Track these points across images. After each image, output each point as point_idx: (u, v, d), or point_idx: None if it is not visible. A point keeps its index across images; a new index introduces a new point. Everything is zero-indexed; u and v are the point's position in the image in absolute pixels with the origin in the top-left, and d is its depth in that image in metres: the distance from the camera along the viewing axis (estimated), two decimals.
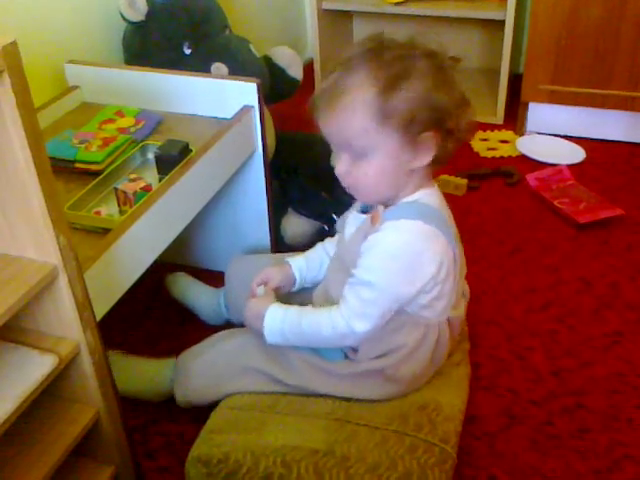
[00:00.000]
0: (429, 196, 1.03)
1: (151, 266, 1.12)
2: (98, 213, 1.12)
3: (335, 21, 2.47)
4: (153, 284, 1.50)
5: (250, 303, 1.10)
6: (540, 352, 1.37)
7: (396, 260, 0.98)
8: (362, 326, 1.00)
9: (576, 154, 2.04)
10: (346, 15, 2.57)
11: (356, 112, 0.93)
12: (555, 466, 1.15)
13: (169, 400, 1.22)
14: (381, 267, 0.98)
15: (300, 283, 1.19)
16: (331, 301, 1.07)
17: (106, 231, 1.04)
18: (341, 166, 0.99)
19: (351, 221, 1.11)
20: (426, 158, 0.98)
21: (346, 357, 1.08)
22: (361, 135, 0.95)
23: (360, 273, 1.00)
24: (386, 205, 1.02)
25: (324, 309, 1.04)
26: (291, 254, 1.27)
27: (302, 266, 1.19)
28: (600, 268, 1.59)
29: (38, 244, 0.82)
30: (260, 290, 1.13)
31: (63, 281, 0.84)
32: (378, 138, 0.95)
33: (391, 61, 0.94)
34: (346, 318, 1.00)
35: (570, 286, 1.54)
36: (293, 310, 1.06)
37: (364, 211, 1.09)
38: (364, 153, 0.96)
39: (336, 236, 1.19)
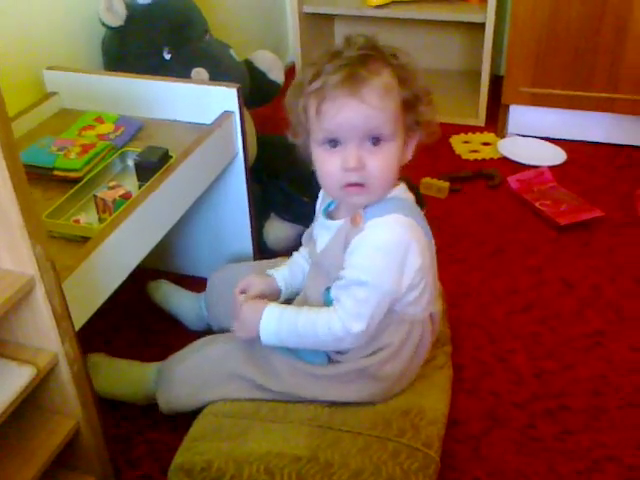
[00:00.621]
0: (404, 192, 1.06)
1: (133, 272, 1.11)
2: (77, 221, 1.11)
3: (316, 24, 2.47)
4: (135, 290, 1.49)
5: (246, 304, 1.08)
6: (522, 354, 1.37)
7: (387, 255, 0.99)
8: (358, 326, 1.00)
9: (557, 156, 2.05)
10: (327, 18, 2.57)
11: (390, 97, 0.95)
12: (538, 468, 1.15)
13: (152, 408, 1.22)
14: (373, 264, 0.99)
15: (286, 293, 1.18)
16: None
17: (85, 239, 1.04)
18: (355, 160, 0.96)
19: (320, 231, 1.10)
20: (410, 153, 1.03)
21: (329, 360, 1.08)
22: (391, 120, 0.96)
23: (351, 273, 1.00)
24: (364, 206, 1.02)
25: (321, 310, 1.03)
26: (273, 261, 1.27)
27: (286, 276, 1.18)
28: (581, 269, 1.60)
29: (14, 255, 0.82)
30: (241, 298, 1.12)
31: (40, 292, 0.84)
32: (398, 126, 0.97)
33: (393, 57, 0.98)
34: (342, 320, 1.00)
35: (552, 287, 1.55)
36: (290, 310, 1.05)
37: (329, 217, 1.09)
38: (384, 141, 0.96)
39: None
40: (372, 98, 0.94)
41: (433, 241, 1.08)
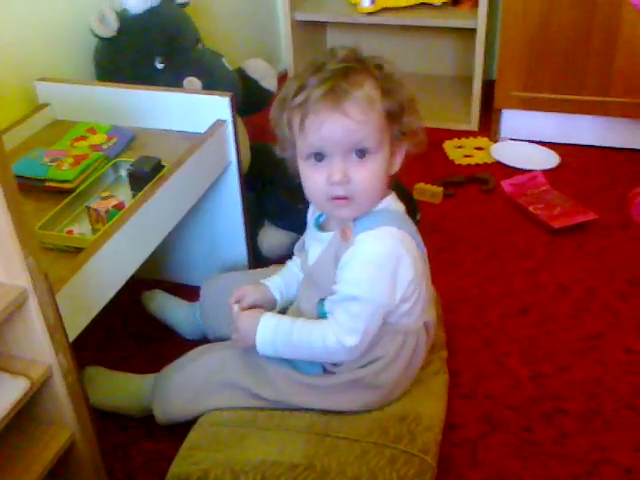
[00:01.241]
0: (395, 202, 1.06)
1: (127, 282, 1.11)
2: (70, 232, 1.11)
3: (309, 32, 2.47)
4: (130, 301, 1.49)
5: (243, 314, 1.09)
6: (518, 357, 1.37)
7: (379, 268, 0.99)
8: (352, 340, 0.99)
9: (550, 159, 2.06)
10: (319, 26, 2.58)
11: (373, 109, 0.95)
12: (535, 472, 1.15)
13: (149, 418, 1.21)
14: (364, 278, 0.99)
15: (281, 303, 1.18)
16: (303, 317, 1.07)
17: (79, 250, 1.04)
18: (339, 173, 0.96)
19: (312, 242, 1.10)
20: (398, 164, 1.02)
21: (325, 371, 1.08)
22: (375, 132, 0.95)
23: (344, 288, 1.00)
24: (354, 218, 1.02)
25: (316, 322, 1.03)
26: (266, 269, 1.27)
27: (281, 286, 1.18)
28: (576, 272, 1.60)
29: (6, 267, 0.81)
30: (235, 309, 1.12)
31: (33, 303, 0.83)
32: (383, 138, 0.97)
33: (376, 68, 0.97)
34: (337, 334, 1.00)
35: (546, 291, 1.56)
36: (286, 320, 1.05)
37: (320, 229, 1.09)
38: (369, 153, 0.96)
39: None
40: (354, 111, 0.93)
41: (425, 250, 1.07)
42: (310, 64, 0.98)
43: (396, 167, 1.03)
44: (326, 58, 0.97)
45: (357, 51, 0.99)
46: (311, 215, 1.13)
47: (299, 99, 0.95)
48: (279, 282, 1.18)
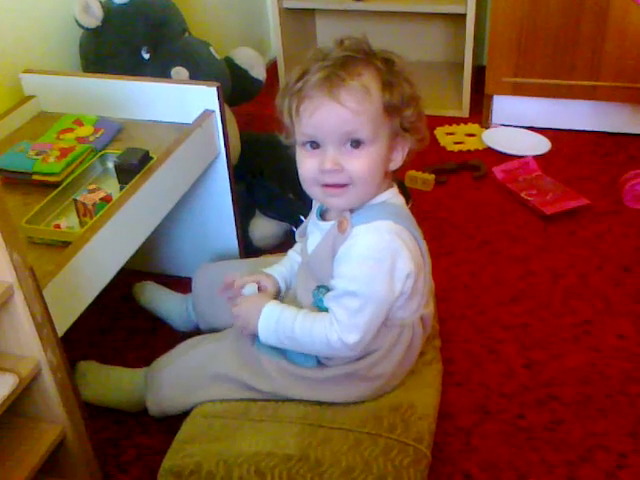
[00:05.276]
0: (395, 196, 1.04)
1: (118, 274, 1.10)
2: (58, 226, 1.10)
3: (297, 19, 2.45)
4: (121, 293, 1.48)
5: (246, 298, 1.06)
6: (511, 345, 1.37)
7: (376, 263, 0.97)
8: (354, 337, 0.98)
9: (541, 145, 2.06)
10: (308, 13, 2.56)
11: (369, 100, 0.93)
12: (529, 459, 1.15)
13: (141, 412, 1.21)
14: (363, 273, 0.97)
15: (284, 293, 1.16)
16: (300, 308, 1.07)
17: (66, 244, 1.02)
18: (331, 162, 0.95)
19: (313, 230, 1.09)
20: (400, 159, 1.01)
21: (319, 363, 1.07)
22: (369, 123, 0.94)
23: (342, 283, 0.99)
24: (352, 210, 1.01)
25: (317, 318, 1.01)
26: (257, 259, 1.26)
27: (285, 275, 1.17)
28: (568, 258, 1.60)
29: None
30: (250, 288, 1.08)
31: (19, 299, 0.82)
32: (379, 130, 0.95)
33: (382, 60, 0.96)
34: (338, 332, 0.99)
35: (539, 277, 1.55)
36: (288, 312, 1.04)
37: (322, 218, 1.08)
38: (364, 144, 0.95)
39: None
40: (349, 100, 0.92)
41: (425, 245, 1.06)
42: (317, 52, 0.97)
43: (397, 163, 1.01)
44: (331, 47, 0.96)
45: (363, 41, 0.97)
46: (315, 202, 1.12)
47: (298, 85, 0.95)
48: (284, 272, 1.17)
